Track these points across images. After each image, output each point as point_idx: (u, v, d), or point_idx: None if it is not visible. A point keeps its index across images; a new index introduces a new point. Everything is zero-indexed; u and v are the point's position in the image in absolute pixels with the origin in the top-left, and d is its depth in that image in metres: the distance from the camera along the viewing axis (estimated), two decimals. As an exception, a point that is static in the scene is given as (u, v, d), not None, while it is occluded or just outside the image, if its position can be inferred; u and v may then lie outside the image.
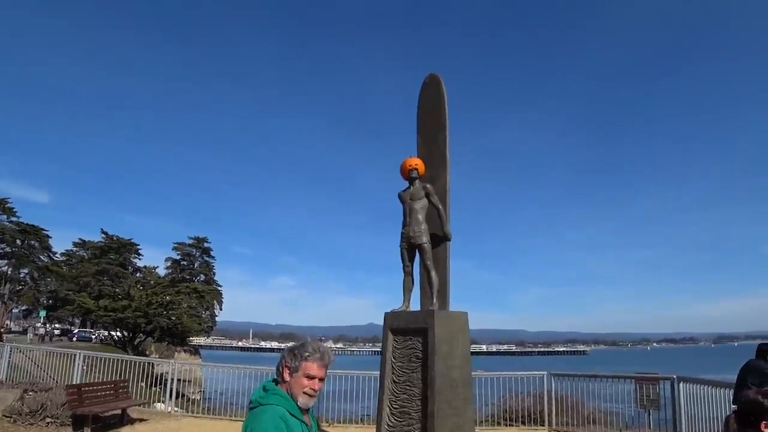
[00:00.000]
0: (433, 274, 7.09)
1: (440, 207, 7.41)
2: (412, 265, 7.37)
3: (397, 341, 6.92)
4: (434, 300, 6.99)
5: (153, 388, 16.34)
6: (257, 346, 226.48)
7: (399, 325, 6.91)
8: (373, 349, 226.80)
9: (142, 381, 15.56)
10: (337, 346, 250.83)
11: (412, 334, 6.74)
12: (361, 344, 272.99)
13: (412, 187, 7.45)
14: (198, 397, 19.37)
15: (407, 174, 7.48)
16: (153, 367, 17.26)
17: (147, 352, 49.16)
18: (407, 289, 7.35)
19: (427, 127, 8.18)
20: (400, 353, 6.83)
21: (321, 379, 2.58)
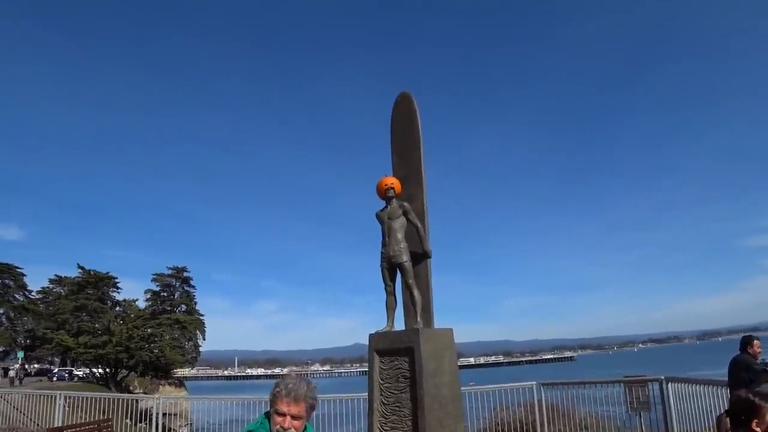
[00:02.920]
0: (416, 292, 7.06)
1: (419, 225, 7.40)
2: (394, 285, 7.34)
3: (383, 362, 6.85)
4: (418, 318, 6.95)
5: (139, 425, 15.95)
6: (243, 374, 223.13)
7: (384, 346, 6.85)
8: (360, 370, 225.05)
9: (127, 418, 15.18)
10: (324, 368, 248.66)
11: (398, 354, 6.68)
12: (348, 365, 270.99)
13: (389, 206, 7.44)
14: (186, 431, 18.93)
15: (384, 193, 7.48)
16: (137, 403, 16.87)
17: (130, 388, 48.11)
18: (390, 309, 7.30)
19: (402, 145, 8.20)
20: (387, 374, 6.76)
21: (295, 417, 2.57)
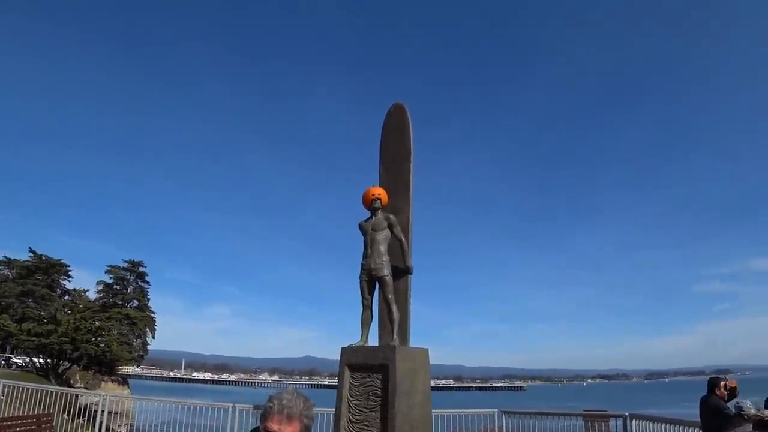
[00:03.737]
0: (394, 308, 6.86)
1: (403, 239, 7.22)
2: (372, 299, 7.12)
3: (354, 378, 6.59)
4: (395, 335, 6.74)
5: (77, 421, 15.13)
6: (189, 376, 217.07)
7: (357, 361, 6.60)
8: (309, 383, 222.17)
9: (65, 413, 14.36)
10: (273, 378, 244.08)
11: (371, 371, 6.44)
12: (297, 377, 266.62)
13: (374, 218, 7.25)
14: (125, 431, 18.08)
15: (369, 203, 7.28)
16: (76, 398, 16.03)
17: (71, 381, 46.11)
18: (366, 323, 7.07)
19: (391, 156, 8.05)
20: (357, 390, 6.50)
21: None
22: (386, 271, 6.92)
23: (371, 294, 7.09)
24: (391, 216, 7.22)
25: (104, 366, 52.23)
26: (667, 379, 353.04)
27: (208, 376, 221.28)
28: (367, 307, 7.07)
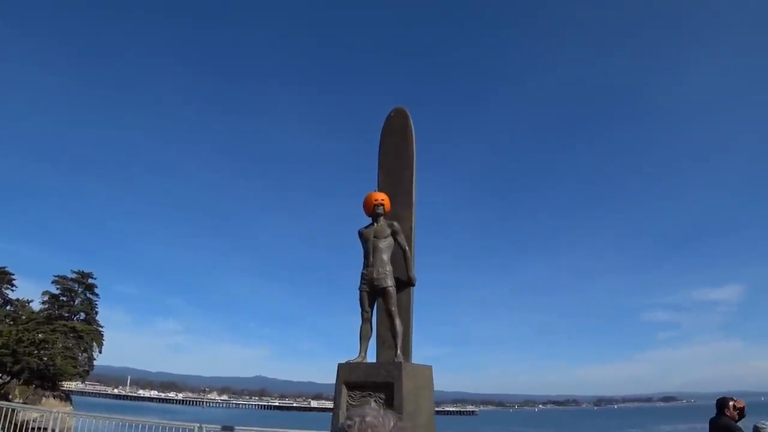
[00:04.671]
0: (397, 321, 6.38)
1: (407, 248, 6.79)
2: (372, 311, 6.62)
3: (353, 397, 6.05)
4: (398, 351, 6.24)
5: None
6: (135, 394, 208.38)
7: (356, 379, 6.07)
8: (260, 404, 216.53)
9: (1, 430, 13.23)
10: (222, 397, 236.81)
11: (373, 390, 5.92)
12: (247, 397, 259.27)
13: (376, 224, 6.79)
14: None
15: (372, 209, 6.82)
16: (15, 413, 14.81)
17: (9, 396, 43.35)
18: (365, 338, 6.56)
19: (391, 163, 7.64)
20: (356, 411, 5.95)
21: None
22: (389, 282, 6.45)
23: (371, 306, 6.60)
24: (395, 223, 6.78)
25: (46, 380, 49.39)
26: (616, 406, 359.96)
27: (154, 394, 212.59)
28: (366, 320, 6.57)
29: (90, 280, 66.97)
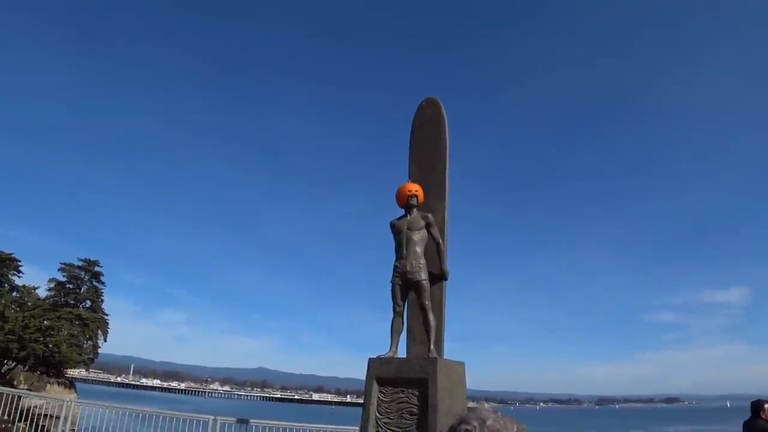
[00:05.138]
0: (431, 316, 6.19)
1: (440, 241, 6.59)
2: (404, 305, 6.43)
3: (384, 393, 5.87)
4: (431, 346, 6.06)
5: (18, 424, 13.93)
6: (138, 383, 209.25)
7: (388, 374, 5.88)
8: (261, 395, 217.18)
9: (5, 415, 13.22)
10: (224, 388, 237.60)
11: (404, 386, 5.74)
12: (249, 388, 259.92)
13: (409, 216, 6.59)
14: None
15: (405, 200, 6.62)
16: (18, 399, 14.79)
17: (14, 382, 43.49)
18: (396, 332, 6.37)
19: (423, 154, 7.44)
20: (387, 407, 5.78)
21: None
22: (423, 275, 6.25)
23: (404, 300, 6.41)
24: (429, 215, 6.59)
25: (51, 367, 49.49)
26: (617, 406, 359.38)
27: (157, 383, 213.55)
28: (399, 314, 6.38)
29: (96, 269, 66.91)
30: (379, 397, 5.87)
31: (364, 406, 5.89)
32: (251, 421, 10.51)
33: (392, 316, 6.36)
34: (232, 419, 10.61)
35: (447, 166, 7.18)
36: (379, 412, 5.80)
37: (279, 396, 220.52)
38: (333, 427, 11.57)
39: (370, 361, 6.06)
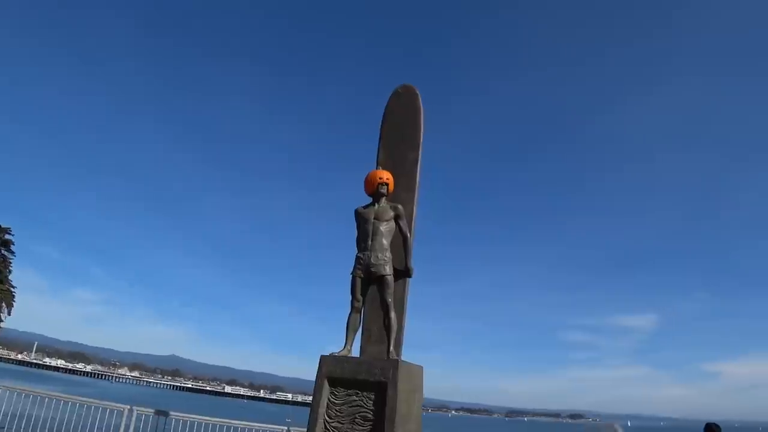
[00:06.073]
0: (393, 314, 5.72)
1: (408, 235, 6.14)
2: (363, 300, 5.92)
3: (336, 394, 5.35)
4: (391, 347, 5.58)
5: None
6: (40, 361, 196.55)
7: (343, 375, 5.36)
8: (172, 383, 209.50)
9: None
10: (133, 374, 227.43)
11: (359, 388, 5.24)
12: (160, 376, 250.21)
13: (377, 205, 6.10)
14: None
15: (374, 188, 6.13)
16: None
17: None
18: (352, 329, 5.85)
19: (394, 142, 6.97)
20: (338, 410, 5.26)
21: None
22: (389, 270, 5.77)
23: (364, 294, 5.89)
24: (399, 206, 6.12)
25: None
26: (526, 419, 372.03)
27: (61, 363, 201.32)
28: (357, 310, 5.85)
29: (6, 236, 62.33)
30: (329, 399, 5.34)
31: (312, 408, 5.34)
32: (171, 413, 9.64)
33: (349, 311, 5.83)
34: (150, 410, 9.67)
35: (420, 158, 6.75)
36: (328, 416, 5.26)
37: (190, 386, 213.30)
38: (260, 425, 10.84)
39: (322, 358, 5.52)
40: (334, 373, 5.38)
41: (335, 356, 5.53)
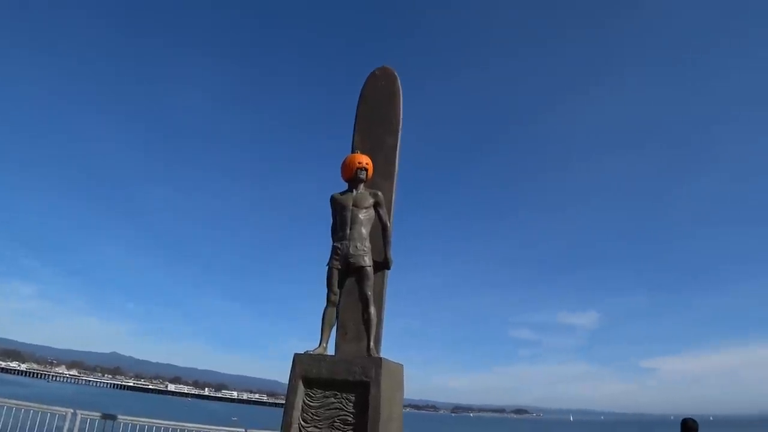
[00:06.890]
0: (372, 309, 5.32)
1: (388, 224, 5.75)
2: (340, 293, 5.48)
3: (312, 396, 4.91)
4: (371, 344, 5.18)
5: None
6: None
7: (318, 375, 4.92)
8: (113, 382, 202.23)
9: None
10: (71, 372, 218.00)
11: (338, 389, 4.82)
12: (100, 374, 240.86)
13: (355, 191, 5.67)
14: None
15: (353, 173, 5.70)
16: None
17: None
18: (328, 325, 5.40)
19: (371, 127, 6.57)
20: (315, 414, 4.82)
21: None
22: (368, 261, 5.36)
23: (341, 287, 5.46)
24: (379, 193, 5.72)
25: None
26: (472, 414, 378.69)
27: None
28: (333, 303, 5.40)
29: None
30: (305, 401, 4.89)
31: (286, 411, 4.88)
32: (119, 417, 8.90)
33: (325, 305, 5.38)
34: (96, 414, 8.90)
35: (398, 144, 6.37)
36: (304, 419, 4.81)
37: (132, 384, 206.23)
38: (212, 427, 10.24)
39: (296, 357, 5.06)
40: (310, 373, 4.93)
41: (311, 354, 5.08)
